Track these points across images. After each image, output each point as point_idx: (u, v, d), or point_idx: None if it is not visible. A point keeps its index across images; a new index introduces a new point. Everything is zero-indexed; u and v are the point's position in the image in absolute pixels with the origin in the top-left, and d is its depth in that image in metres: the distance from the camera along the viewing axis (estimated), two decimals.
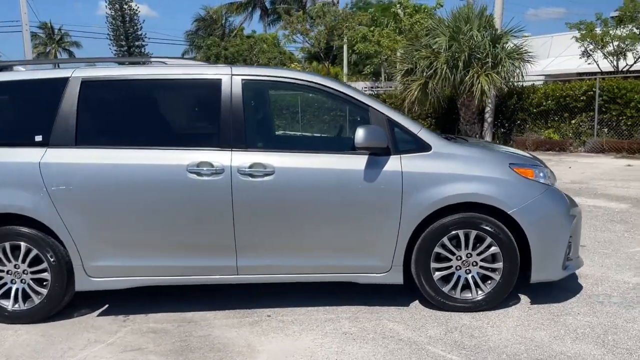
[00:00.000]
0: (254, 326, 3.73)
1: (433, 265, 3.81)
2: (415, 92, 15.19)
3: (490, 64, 14.44)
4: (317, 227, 3.78)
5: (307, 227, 3.78)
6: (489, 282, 3.84)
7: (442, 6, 21.56)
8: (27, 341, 3.59)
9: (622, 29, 16.78)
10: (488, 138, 16.38)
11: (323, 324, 3.73)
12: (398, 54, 18.50)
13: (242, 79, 3.85)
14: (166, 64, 4.06)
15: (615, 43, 16.76)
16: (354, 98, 3.89)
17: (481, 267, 3.82)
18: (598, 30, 17.05)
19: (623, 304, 3.89)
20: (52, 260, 3.79)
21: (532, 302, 3.96)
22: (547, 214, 3.78)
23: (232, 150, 3.74)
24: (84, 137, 3.81)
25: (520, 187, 3.79)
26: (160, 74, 3.94)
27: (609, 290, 4.16)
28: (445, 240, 3.78)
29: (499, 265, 3.79)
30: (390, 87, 22.48)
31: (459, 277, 3.84)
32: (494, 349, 3.28)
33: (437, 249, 3.79)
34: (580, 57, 18.18)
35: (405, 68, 16.02)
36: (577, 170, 10.96)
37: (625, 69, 17.24)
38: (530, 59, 14.77)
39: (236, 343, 3.48)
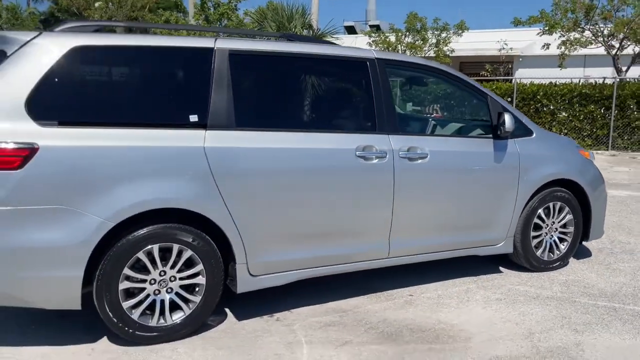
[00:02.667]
0: (415, 305, 3.82)
1: (532, 233, 4.45)
2: None
3: None
4: (457, 206, 4.06)
5: (450, 206, 4.03)
6: (563, 243, 4.65)
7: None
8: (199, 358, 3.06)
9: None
10: None
11: (470, 294, 4.03)
12: None
13: (386, 65, 3.85)
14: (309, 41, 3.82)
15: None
16: (475, 87, 4.25)
17: (560, 232, 4.61)
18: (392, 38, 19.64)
19: None
20: (213, 263, 3.25)
21: (579, 258, 4.91)
22: (600, 187, 4.75)
23: (389, 134, 3.75)
24: (243, 119, 3.34)
25: (585, 165, 4.69)
26: (314, 52, 3.65)
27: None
28: (541, 211, 4.45)
29: (571, 229, 4.63)
30: None
31: (546, 241, 4.55)
32: (606, 290, 4.09)
33: (536, 220, 4.44)
34: None
35: None
36: None
37: None
38: None
39: (425, 322, 3.56)
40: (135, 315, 3.11)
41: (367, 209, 3.71)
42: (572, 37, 16.74)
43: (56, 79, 2.94)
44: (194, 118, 3.20)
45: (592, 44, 16.48)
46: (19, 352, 3.07)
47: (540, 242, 4.51)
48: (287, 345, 3.21)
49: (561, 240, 4.63)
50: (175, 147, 3.13)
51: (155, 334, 3.17)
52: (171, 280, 3.19)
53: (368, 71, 3.74)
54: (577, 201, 4.59)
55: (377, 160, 3.65)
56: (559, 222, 4.57)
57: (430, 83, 4.65)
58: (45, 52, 2.94)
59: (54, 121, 2.89)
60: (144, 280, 3.13)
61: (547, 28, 16.40)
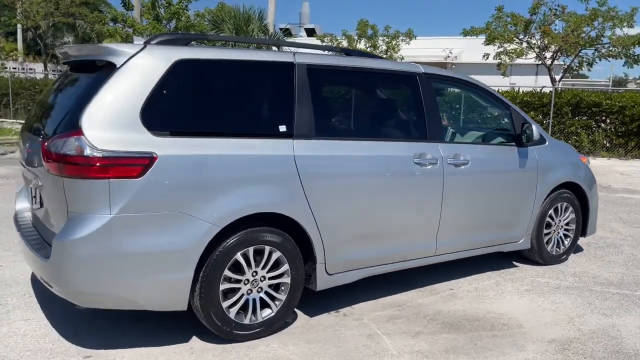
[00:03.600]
0: (460, 298, 4.21)
1: (544, 231, 4.97)
2: None
3: None
4: (490, 207, 4.50)
5: (484, 207, 4.46)
6: (567, 239, 5.21)
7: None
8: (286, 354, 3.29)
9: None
10: None
11: (502, 287, 4.48)
12: None
13: (431, 78, 4.22)
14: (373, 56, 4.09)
15: None
16: (501, 100, 4.71)
17: (565, 229, 5.16)
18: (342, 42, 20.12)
19: None
20: (296, 263, 3.48)
21: (575, 253, 5.51)
22: (594, 188, 5.36)
23: (438, 143, 4.12)
24: (321, 128, 3.60)
25: (584, 169, 5.28)
26: (376, 67, 3.95)
27: None
28: (552, 211, 4.98)
29: (573, 227, 5.20)
30: None
31: (554, 238, 5.09)
32: (605, 278, 4.68)
33: (547, 219, 4.97)
34: None
35: None
36: None
37: None
38: None
39: (476, 313, 3.96)
40: (232, 314, 3.28)
41: (422, 210, 4.06)
42: (509, 48, 18.00)
43: (164, 91, 3.07)
44: (282, 128, 3.42)
45: (526, 54, 17.80)
46: (123, 353, 3.16)
47: (549, 239, 5.05)
48: (368, 337, 3.49)
49: (565, 236, 5.19)
50: (271, 156, 3.34)
51: (248, 331, 3.35)
52: (261, 280, 3.39)
53: (418, 84, 4.10)
54: (578, 201, 5.18)
55: (430, 166, 4.01)
56: (564, 221, 5.13)
57: (462, 95, 5.02)
58: (153, 65, 3.06)
59: (165, 131, 3.02)
60: (239, 281, 3.30)
61: (489, 39, 17.51)
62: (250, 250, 3.29)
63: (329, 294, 3.95)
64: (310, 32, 34.95)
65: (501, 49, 17.92)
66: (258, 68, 3.49)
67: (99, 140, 2.84)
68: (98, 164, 2.82)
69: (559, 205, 5.02)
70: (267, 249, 3.35)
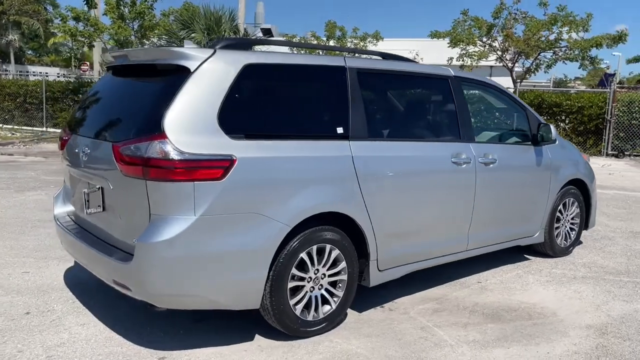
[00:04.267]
0: (490, 290, 4.43)
1: (555, 225, 5.28)
2: None
3: None
4: (513, 202, 4.75)
5: (509, 202, 4.70)
6: (573, 232, 5.54)
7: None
8: (353, 349, 3.42)
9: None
10: None
11: (524, 279, 4.73)
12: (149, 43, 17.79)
13: (461, 82, 4.43)
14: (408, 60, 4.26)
15: None
16: (517, 101, 4.97)
17: (571, 223, 5.49)
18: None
19: None
20: (352, 260, 3.59)
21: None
22: (594, 184, 5.72)
23: (469, 143, 4.33)
24: (371, 130, 3.73)
25: (587, 167, 5.62)
26: (415, 70, 4.13)
27: None
28: (561, 206, 5.29)
29: (577, 220, 5.53)
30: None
31: (562, 232, 5.40)
32: (613, 267, 5.02)
33: (557, 214, 5.27)
34: None
35: None
36: None
37: None
38: None
39: (510, 304, 4.18)
40: (298, 311, 3.37)
41: (458, 206, 4.25)
42: (471, 50, 18.68)
43: (236, 95, 3.12)
44: (340, 130, 3.53)
45: (487, 57, 18.51)
46: (195, 353, 3.19)
47: (558, 233, 5.36)
48: (422, 330, 3.65)
49: (571, 230, 5.52)
50: (332, 157, 3.44)
51: (312, 328, 3.44)
52: (322, 278, 3.48)
53: (450, 87, 4.30)
54: (582, 197, 5.52)
55: (464, 165, 4.21)
56: (570, 215, 5.45)
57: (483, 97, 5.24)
58: (224, 69, 3.12)
59: (241, 134, 3.08)
60: (304, 279, 3.39)
61: (454, 42, 18.10)
62: (314, 248, 3.39)
63: (368, 291, 4.08)
64: (266, 32, 34.92)
65: (464, 52, 18.56)
66: (316, 72, 3.59)
67: (183, 144, 2.87)
68: (185, 167, 2.85)
69: (567, 200, 5.34)
70: (328, 247, 3.45)
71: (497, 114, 5.02)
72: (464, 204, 4.28)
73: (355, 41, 18.67)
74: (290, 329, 3.36)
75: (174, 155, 2.84)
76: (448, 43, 18.77)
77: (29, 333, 3.38)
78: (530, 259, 5.31)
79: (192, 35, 15.70)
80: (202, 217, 2.91)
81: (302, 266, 3.37)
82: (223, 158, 2.95)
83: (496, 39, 17.98)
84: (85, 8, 18.99)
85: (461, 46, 18.37)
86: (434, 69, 4.35)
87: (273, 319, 3.31)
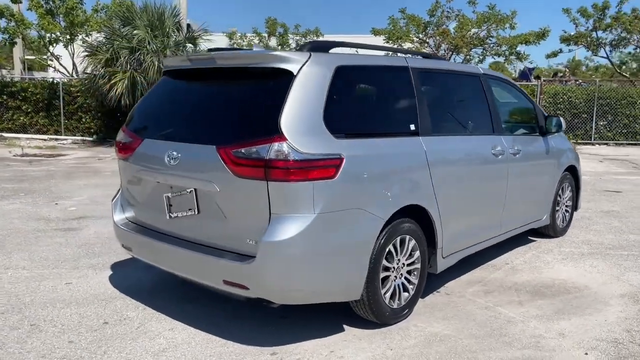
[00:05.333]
0: (519, 271, 4.82)
1: (556, 208, 5.79)
2: (121, 85, 14.74)
3: None
4: (532, 189, 5.18)
5: (529, 189, 5.13)
6: (567, 214, 6.09)
7: None
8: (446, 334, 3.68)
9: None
10: None
11: (543, 258, 5.18)
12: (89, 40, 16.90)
13: (488, 78, 4.78)
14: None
15: None
16: (527, 96, 5.40)
17: (566, 206, 6.03)
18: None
19: None
20: (423, 249, 3.82)
21: None
22: (580, 169, 6.32)
23: (501, 135, 4.69)
24: (434, 126, 3.97)
25: (575, 153, 6.19)
26: (456, 69, 4.46)
27: None
28: (560, 191, 5.81)
29: (570, 203, 6.10)
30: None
31: (560, 214, 5.93)
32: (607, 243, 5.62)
33: (557, 197, 5.79)
34: None
35: (105, 57, 15.13)
36: None
37: None
38: None
39: (545, 281, 4.58)
40: (387, 300, 3.55)
41: (496, 193, 4.61)
42: (406, 47, 19.46)
43: (334, 96, 3.24)
44: (412, 127, 3.75)
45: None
46: (301, 346, 3.29)
47: (558, 215, 5.89)
48: (486, 309, 3.95)
49: (566, 212, 6.08)
50: (412, 152, 3.66)
51: (397, 314, 3.64)
52: (402, 267, 3.69)
53: (481, 83, 4.64)
54: (573, 181, 6.09)
55: (500, 156, 4.56)
56: (566, 199, 6.01)
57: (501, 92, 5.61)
58: (321, 72, 3.23)
59: (342, 133, 3.21)
60: (389, 269, 3.58)
61: (391, 38, 18.76)
62: (398, 239, 3.58)
63: None
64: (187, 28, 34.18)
65: (400, 47, 19.30)
66: (389, 72, 3.77)
67: (300, 145, 2.96)
68: (305, 167, 2.95)
69: (564, 185, 5.87)
70: (407, 237, 3.66)
71: (511, 107, 5.41)
72: (500, 191, 4.63)
73: (297, 37, 18.83)
74: (381, 317, 3.53)
75: (295, 155, 2.93)
76: (384, 39, 19.41)
77: (122, 341, 3.32)
78: (535, 241, 5.80)
79: (135, 32, 15.16)
80: (320, 214, 3.02)
81: (389, 257, 3.55)
82: (335, 157, 3.08)
83: (432, 36, 18.83)
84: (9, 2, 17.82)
85: (398, 42, 19.08)
86: (469, 67, 4.68)
87: (367, 309, 3.47)
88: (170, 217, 3.48)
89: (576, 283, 4.54)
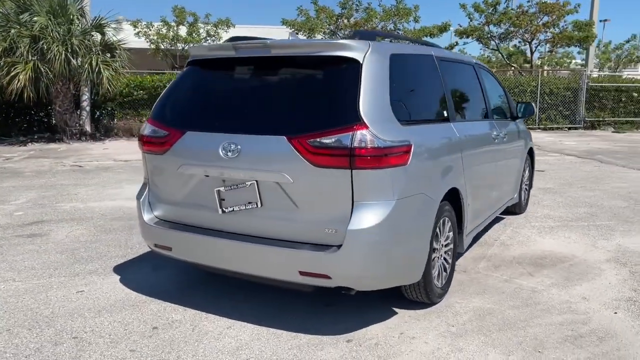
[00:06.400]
0: (510, 245, 5.21)
1: (522, 187, 6.30)
2: (23, 76, 13.48)
3: (99, 51, 14.66)
4: (510, 169, 5.59)
5: (509, 168, 5.54)
6: (525, 192, 6.63)
7: None
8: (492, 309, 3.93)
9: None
10: (88, 127, 16.09)
11: (523, 233, 5.62)
12: None
13: (478, 67, 5.09)
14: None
15: None
16: (500, 83, 5.79)
17: (525, 185, 6.57)
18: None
19: None
20: (455, 229, 4.03)
21: None
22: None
23: (494, 120, 5.04)
24: (458, 112, 4.19)
25: (530, 135, 6.75)
26: (461, 59, 4.68)
27: None
28: (524, 170, 6.33)
29: (528, 182, 6.66)
30: None
31: (523, 192, 6.45)
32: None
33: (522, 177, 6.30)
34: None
35: (3, 46, 13.69)
36: None
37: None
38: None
39: (536, 253, 5.00)
40: (435, 280, 3.71)
41: (495, 173, 4.96)
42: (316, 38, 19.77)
43: (393, 84, 3.31)
44: (445, 113, 3.93)
45: None
46: (370, 330, 3.34)
47: (521, 194, 6.41)
48: (507, 282, 4.24)
49: (525, 190, 6.63)
50: (450, 137, 3.83)
51: (440, 293, 3.81)
52: (441, 248, 3.86)
53: (476, 72, 4.94)
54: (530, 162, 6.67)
55: (497, 139, 4.90)
56: (526, 178, 6.55)
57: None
58: (382, 60, 3.29)
59: (404, 120, 3.29)
60: (435, 250, 3.73)
61: (305, 29, 18.93)
62: (441, 221, 3.74)
63: None
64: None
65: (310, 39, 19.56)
66: (423, 60, 3.90)
67: (379, 132, 3.00)
68: (385, 154, 2.99)
69: (525, 165, 6.40)
70: (446, 219, 3.84)
71: (490, 94, 5.80)
72: (497, 171, 4.99)
73: (208, 27, 18.30)
74: (432, 297, 3.67)
75: (378, 142, 2.96)
76: (293, 30, 19.53)
77: (188, 344, 3.16)
78: (505, 218, 6.26)
79: (35, 19, 13.87)
80: (398, 200, 3.09)
81: (434, 239, 3.70)
82: (407, 143, 3.15)
83: (343, 28, 19.25)
84: None
85: (310, 34, 19.29)
86: (466, 57, 4.93)
87: (421, 290, 3.59)
88: (223, 211, 3.35)
89: (563, 252, 5.00)
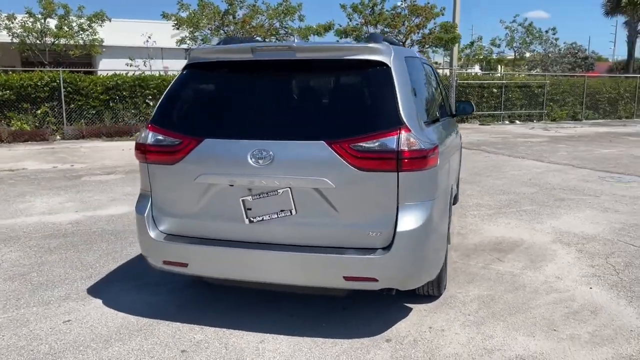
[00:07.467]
0: (467, 235, 5.58)
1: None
2: None
3: None
4: (456, 162, 5.96)
5: (456, 162, 5.88)
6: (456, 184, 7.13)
7: None
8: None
9: None
10: None
11: (471, 223, 6.04)
12: None
13: (430, 65, 5.38)
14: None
15: None
16: (441, 83, 6.15)
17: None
18: None
19: None
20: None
21: None
22: None
23: (452, 117, 5.36)
24: (438, 111, 4.40)
25: None
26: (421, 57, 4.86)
27: None
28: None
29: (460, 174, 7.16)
30: None
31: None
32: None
33: None
34: None
35: None
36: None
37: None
38: None
39: (492, 240, 5.42)
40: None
41: (453, 165, 5.24)
42: (196, 34, 19.26)
43: (413, 87, 3.41)
44: (437, 114, 4.12)
45: (210, 40, 19.42)
46: (398, 329, 3.41)
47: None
48: (485, 268, 4.55)
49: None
50: (449, 136, 4.03)
51: (444, 286, 4.00)
52: None
53: (432, 69, 5.22)
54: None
55: (454, 133, 5.21)
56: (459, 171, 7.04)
57: None
58: (402, 63, 3.36)
59: (424, 122, 3.41)
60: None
61: (185, 24, 18.30)
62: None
63: None
64: None
65: (191, 35, 18.95)
66: (417, 62, 4.03)
67: (419, 134, 3.09)
68: (426, 156, 3.08)
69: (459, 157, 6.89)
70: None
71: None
72: (454, 166, 5.30)
73: (81, 21, 16.82)
74: (442, 290, 3.85)
75: (420, 145, 3.04)
76: (173, 25, 18.79)
77: None
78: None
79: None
80: (435, 200, 3.20)
81: None
82: (436, 144, 3.27)
83: (228, 25, 18.88)
84: None
85: (187, 29, 18.67)
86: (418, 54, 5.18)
87: (435, 284, 3.74)
88: (250, 221, 3.20)
89: (513, 237, 5.49)
